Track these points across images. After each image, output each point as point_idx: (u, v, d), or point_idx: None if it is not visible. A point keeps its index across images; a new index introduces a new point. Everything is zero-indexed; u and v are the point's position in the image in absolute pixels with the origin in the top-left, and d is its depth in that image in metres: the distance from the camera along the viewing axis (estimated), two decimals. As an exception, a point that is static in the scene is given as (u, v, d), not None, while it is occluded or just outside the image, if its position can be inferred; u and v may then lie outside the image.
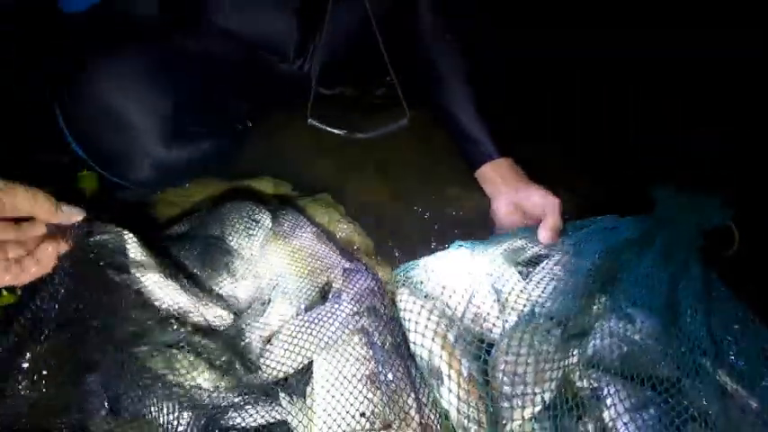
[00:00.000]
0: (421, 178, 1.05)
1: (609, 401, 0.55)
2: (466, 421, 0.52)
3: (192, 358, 0.55)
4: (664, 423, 0.52)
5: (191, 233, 0.73)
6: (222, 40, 0.88)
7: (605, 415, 0.54)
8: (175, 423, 0.50)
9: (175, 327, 0.58)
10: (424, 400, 0.55)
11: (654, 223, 0.73)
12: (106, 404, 0.49)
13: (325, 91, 1.17)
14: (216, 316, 0.59)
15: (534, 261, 0.75)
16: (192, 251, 0.67)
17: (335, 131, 0.85)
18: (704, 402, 0.55)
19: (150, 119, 0.76)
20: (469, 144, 0.89)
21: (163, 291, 0.57)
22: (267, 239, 0.71)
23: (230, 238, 0.70)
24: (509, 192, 0.84)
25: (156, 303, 0.57)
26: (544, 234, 0.73)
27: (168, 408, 0.50)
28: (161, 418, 0.49)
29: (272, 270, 0.66)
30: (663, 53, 1.28)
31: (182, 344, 0.56)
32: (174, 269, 0.61)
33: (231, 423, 0.52)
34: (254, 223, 0.72)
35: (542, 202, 0.78)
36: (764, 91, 1.17)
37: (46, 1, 0.82)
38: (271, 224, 0.72)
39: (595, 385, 0.58)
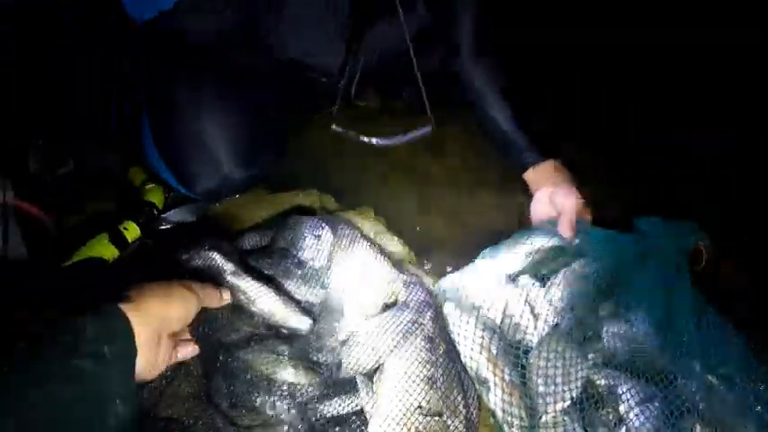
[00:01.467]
0: (454, 187, 1.14)
1: (623, 396, 0.69)
2: (510, 418, 0.65)
3: (280, 359, 0.66)
4: (665, 414, 0.66)
5: (263, 245, 0.83)
6: (275, 60, 0.96)
7: (621, 407, 0.68)
8: (278, 412, 0.62)
9: (266, 331, 0.69)
10: (470, 400, 0.67)
11: (644, 246, 0.84)
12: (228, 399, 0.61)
13: (356, 102, 1.26)
14: (300, 321, 0.70)
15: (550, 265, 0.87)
16: (268, 263, 0.77)
17: (359, 138, 0.93)
18: (696, 398, 0.70)
19: (228, 144, 0.86)
20: (515, 152, 0.98)
21: (259, 300, 0.68)
22: (331, 253, 0.81)
23: (300, 251, 0.80)
24: (546, 187, 0.94)
25: (252, 310, 0.68)
26: (559, 229, 0.85)
27: (272, 400, 0.62)
28: (268, 409, 0.61)
29: (340, 280, 0.76)
30: (662, 51, 1.37)
31: (272, 347, 0.67)
32: (262, 280, 0.72)
33: (318, 413, 0.64)
34: (317, 239, 0.82)
35: (562, 201, 0.89)
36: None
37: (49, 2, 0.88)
38: (332, 238, 0.82)
39: (612, 383, 0.72)
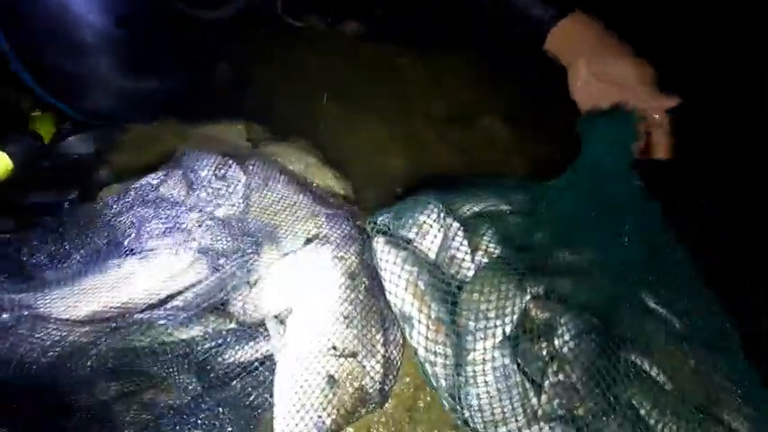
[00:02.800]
0: (400, 123, 1.06)
1: (560, 329, 0.64)
2: (432, 356, 0.59)
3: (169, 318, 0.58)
4: (602, 346, 0.62)
5: (161, 187, 0.73)
6: None
7: (556, 341, 0.63)
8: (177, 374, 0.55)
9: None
10: (391, 338, 0.61)
11: (583, 167, 0.72)
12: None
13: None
14: (197, 271, 0.62)
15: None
16: (165, 208, 0.69)
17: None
18: (636, 328, 0.65)
19: (104, 41, 0.72)
20: (521, 20, 0.73)
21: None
22: (244, 193, 0.72)
23: (202, 193, 0.71)
24: (584, 60, 0.69)
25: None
26: (659, 107, 0.65)
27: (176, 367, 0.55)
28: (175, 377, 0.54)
29: (255, 222, 0.68)
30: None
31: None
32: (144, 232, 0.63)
33: (224, 362, 0.57)
34: (221, 179, 0.73)
35: (632, 73, 0.66)
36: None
37: None
38: (243, 178, 0.73)
39: (550, 315, 0.67)
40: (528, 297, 0.69)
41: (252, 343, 0.57)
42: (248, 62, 1.09)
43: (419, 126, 1.07)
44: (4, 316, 0.51)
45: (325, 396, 0.52)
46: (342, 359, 0.55)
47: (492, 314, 0.63)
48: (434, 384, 0.59)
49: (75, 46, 0.71)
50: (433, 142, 1.05)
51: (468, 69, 1.17)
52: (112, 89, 0.75)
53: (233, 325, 0.58)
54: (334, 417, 0.52)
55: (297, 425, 0.50)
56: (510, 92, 1.13)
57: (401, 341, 0.62)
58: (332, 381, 0.53)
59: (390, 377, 0.58)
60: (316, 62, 1.16)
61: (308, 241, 0.68)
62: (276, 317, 0.60)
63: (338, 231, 0.67)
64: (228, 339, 0.57)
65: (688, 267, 0.72)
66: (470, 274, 0.69)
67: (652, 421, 0.59)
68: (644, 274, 0.70)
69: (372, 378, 0.56)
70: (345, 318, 0.58)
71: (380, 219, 0.74)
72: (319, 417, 0.51)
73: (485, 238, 0.74)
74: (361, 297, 0.61)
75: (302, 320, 0.58)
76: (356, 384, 0.54)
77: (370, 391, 0.55)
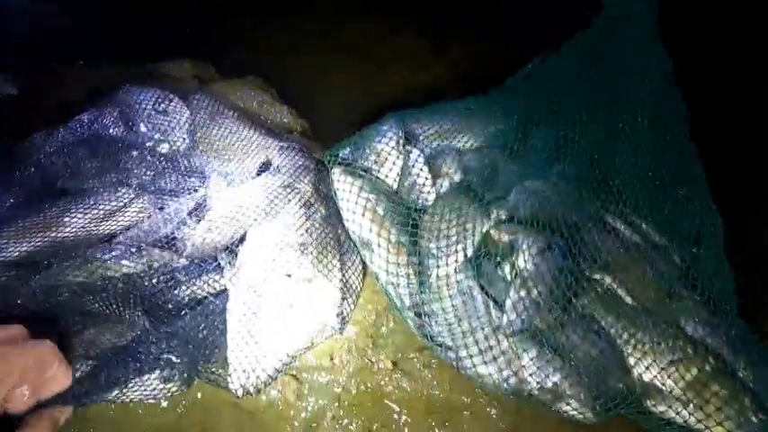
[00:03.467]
0: (358, 57, 1.01)
1: (522, 248, 0.63)
2: (395, 278, 0.58)
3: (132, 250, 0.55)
4: (563, 262, 0.62)
5: (95, 125, 0.68)
6: None
7: (519, 260, 0.63)
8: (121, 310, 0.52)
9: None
10: (348, 264, 0.59)
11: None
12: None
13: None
14: (139, 208, 0.59)
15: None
16: (101, 146, 0.64)
17: None
18: (598, 244, 0.65)
19: None
20: None
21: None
22: (188, 127, 0.68)
23: (141, 129, 0.66)
24: None
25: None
26: None
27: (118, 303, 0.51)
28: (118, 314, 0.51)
29: (202, 157, 0.64)
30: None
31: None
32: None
33: (175, 297, 0.54)
34: (164, 116, 0.68)
35: None
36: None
37: None
38: (186, 113, 0.69)
39: (512, 237, 0.66)
40: (491, 221, 0.68)
41: (204, 276, 0.54)
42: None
43: (379, 66, 1.02)
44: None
45: (281, 321, 0.51)
46: (297, 284, 0.53)
47: (453, 235, 0.62)
48: (398, 305, 0.58)
49: None
50: (395, 77, 1.01)
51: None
52: (43, 22, 0.68)
53: (182, 260, 0.55)
54: (290, 342, 0.51)
55: (252, 351, 0.49)
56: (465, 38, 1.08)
57: (360, 268, 0.61)
58: (288, 307, 0.52)
59: (349, 302, 0.57)
60: (267, 5, 1.09)
61: (259, 173, 0.65)
62: (227, 248, 0.57)
63: (290, 162, 0.64)
64: (177, 274, 0.53)
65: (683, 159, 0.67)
66: (431, 198, 0.68)
67: (612, 330, 0.59)
68: (611, 179, 0.67)
69: (330, 302, 0.55)
70: (300, 245, 0.55)
71: (339, 150, 0.71)
72: (275, 342, 0.50)
73: (447, 165, 0.72)
74: (316, 225, 0.59)
75: (255, 249, 0.55)
76: (313, 309, 0.53)
77: (328, 315, 0.54)
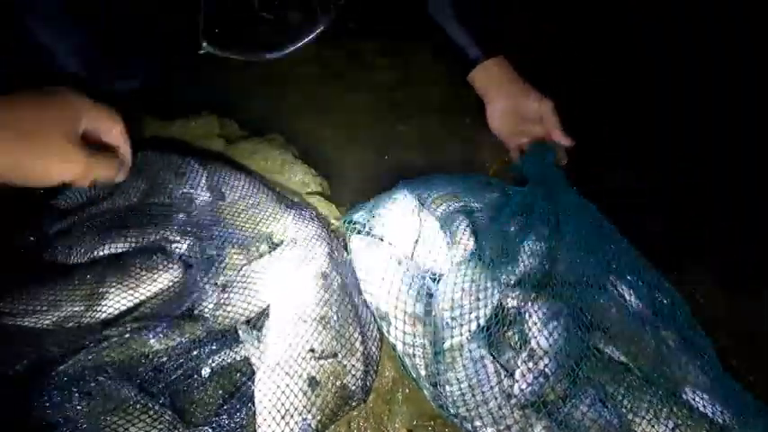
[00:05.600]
0: (375, 120, 1.05)
1: (530, 316, 0.67)
2: (411, 349, 0.60)
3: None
4: (571, 330, 0.65)
5: (122, 190, 0.71)
6: None
7: (525, 327, 0.66)
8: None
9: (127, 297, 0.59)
10: (368, 334, 0.62)
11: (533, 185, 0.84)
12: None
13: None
14: (165, 278, 0.61)
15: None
16: (124, 211, 0.68)
17: (243, 57, 0.82)
18: (604, 312, 0.69)
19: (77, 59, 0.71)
20: (458, 51, 0.91)
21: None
22: (206, 191, 0.71)
23: (161, 196, 0.70)
24: (500, 97, 0.89)
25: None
26: (562, 138, 0.84)
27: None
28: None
29: (217, 223, 0.67)
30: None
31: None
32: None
33: (193, 371, 0.56)
34: (182, 178, 0.71)
35: (537, 108, 0.85)
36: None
37: None
38: (204, 176, 0.72)
39: (521, 303, 0.70)
40: (501, 287, 0.71)
41: (227, 350, 0.57)
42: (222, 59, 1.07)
43: (393, 123, 1.07)
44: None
45: (308, 398, 0.53)
46: (322, 360, 0.56)
47: (466, 305, 0.65)
48: (414, 375, 0.61)
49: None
50: (407, 138, 1.05)
51: (439, 67, 1.17)
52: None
53: (202, 333, 0.56)
54: (318, 418, 0.53)
55: (282, 430, 0.51)
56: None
57: (378, 336, 0.64)
58: (314, 382, 0.54)
59: (371, 373, 0.59)
60: (290, 61, 1.15)
61: (274, 243, 0.68)
62: (248, 322, 0.59)
63: (305, 232, 0.67)
64: (203, 349, 0.55)
65: (633, 252, 0.77)
66: (447, 266, 0.71)
67: (619, 396, 0.62)
68: (604, 261, 0.74)
69: (354, 376, 0.57)
70: (321, 318, 0.59)
71: (356, 216, 0.75)
72: (304, 419, 0.52)
73: (460, 232, 0.75)
74: (335, 296, 0.61)
75: (278, 325, 0.57)
76: (338, 384, 0.56)
77: (353, 388, 0.57)
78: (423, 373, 0.61)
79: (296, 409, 0.52)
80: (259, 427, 0.51)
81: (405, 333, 0.62)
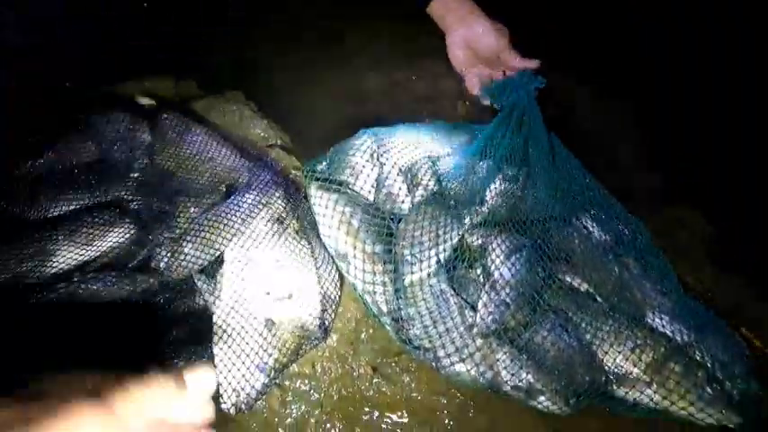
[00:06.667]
0: (336, 68, 1.02)
1: (492, 251, 0.67)
2: (371, 287, 0.60)
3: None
4: (531, 262, 0.65)
5: (70, 150, 0.69)
6: None
7: (488, 262, 0.66)
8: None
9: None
10: (325, 275, 0.62)
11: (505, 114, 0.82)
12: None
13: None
14: (116, 233, 0.60)
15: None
16: (73, 171, 0.66)
17: None
18: (566, 243, 0.69)
19: None
20: None
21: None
22: (157, 149, 0.69)
23: (113, 154, 0.68)
24: (458, 26, 0.89)
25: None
26: (525, 63, 0.84)
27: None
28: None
29: (171, 177, 0.66)
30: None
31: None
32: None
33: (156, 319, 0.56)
34: (133, 138, 0.69)
35: (495, 44, 0.86)
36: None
37: None
38: (149, 137, 0.70)
39: (483, 240, 0.69)
40: (465, 226, 0.71)
41: (183, 299, 0.57)
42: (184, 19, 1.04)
43: (355, 72, 1.04)
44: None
45: (265, 338, 0.53)
46: (277, 302, 0.56)
47: (426, 241, 0.64)
48: (376, 311, 0.61)
49: None
50: (371, 87, 1.03)
51: (395, 10, 1.13)
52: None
53: (156, 282, 0.56)
54: (275, 356, 0.53)
55: (239, 370, 0.51)
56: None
57: (337, 277, 0.63)
58: (270, 323, 0.54)
59: (329, 312, 0.59)
60: (254, 21, 1.11)
61: (229, 192, 0.67)
62: (202, 271, 0.59)
63: (260, 178, 0.65)
64: (159, 297, 0.55)
65: (595, 185, 0.77)
66: (407, 207, 0.71)
67: (579, 325, 0.63)
68: (569, 195, 0.73)
69: (311, 315, 0.57)
70: (276, 261, 0.58)
71: (315, 165, 0.74)
72: (260, 359, 0.52)
73: (421, 173, 0.74)
74: (290, 240, 0.61)
75: (233, 271, 0.57)
76: (295, 324, 0.56)
77: (310, 327, 0.56)
78: (384, 309, 0.61)
79: (252, 349, 0.52)
80: (216, 368, 0.51)
81: (364, 272, 0.61)
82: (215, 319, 0.54)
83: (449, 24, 0.90)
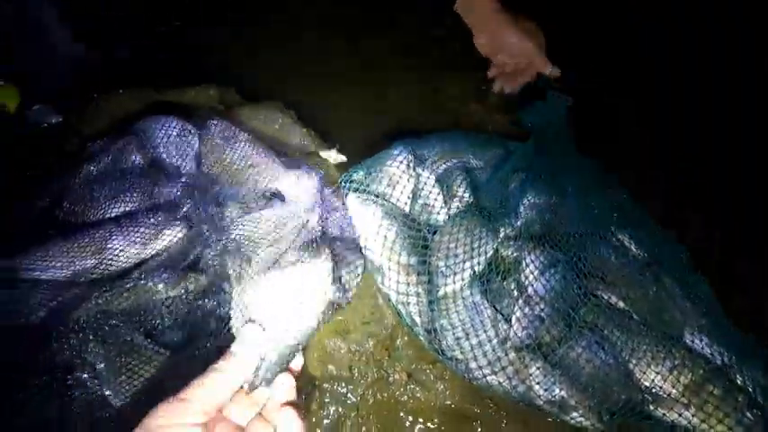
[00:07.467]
0: (375, 84, 1.04)
1: (527, 265, 0.67)
2: (405, 298, 0.62)
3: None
4: (566, 278, 0.65)
5: (124, 154, 0.73)
6: None
7: (522, 276, 0.66)
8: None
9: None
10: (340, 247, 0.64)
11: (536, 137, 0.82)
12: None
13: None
14: (169, 234, 0.64)
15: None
16: (128, 174, 0.70)
17: None
18: (601, 260, 0.68)
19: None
20: None
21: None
22: (200, 153, 0.73)
23: (164, 157, 0.72)
24: (486, 30, 0.91)
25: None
26: (546, 67, 0.88)
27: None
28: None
29: (217, 181, 0.70)
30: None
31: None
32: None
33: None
34: (181, 144, 0.74)
35: (519, 46, 0.88)
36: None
37: None
38: (197, 143, 0.74)
39: (518, 254, 0.70)
40: (499, 239, 0.72)
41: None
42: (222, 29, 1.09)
43: (394, 87, 1.06)
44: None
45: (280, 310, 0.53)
46: (284, 269, 0.57)
47: (461, 254, 0.66)
48: (409, 322, 0.63)
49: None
50: (407, 99, 1.05)
51: (436, 30, 1.15)
52: (67, 63, 0.75)
53: (205, 282, 0.60)
54: (297, 326, 0.53)
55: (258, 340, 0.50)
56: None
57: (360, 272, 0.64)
58: (281, 295, 0.54)
59: (348, 270, 0.61)
60: (291, 30, 1.15)
61: (271, 198, 0.70)
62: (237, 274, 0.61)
63: (301, 187, 0.69)
64: (208, 297, 0.58)
65: (632, 204, 0.77)
66: (442, 219, 0.72)
67: (615, 342, 0.63)
68: (605, 213, 0.73)
69: (322, 273, 0.58)
70: (291, 242, 0.60)
71: (353, 175, 0.76)
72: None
73: (456, 185, 0.76)
74: (334, 245, 0.64)
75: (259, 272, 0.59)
76: (306, 286, 0.56)
77: (324, 286, 0.57)
78: (417, 320, 0.63)
79: (270, 321, 0.52)
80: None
81: (398, 283, 0.63)
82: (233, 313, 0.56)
83: (472, 20, 0.92)
